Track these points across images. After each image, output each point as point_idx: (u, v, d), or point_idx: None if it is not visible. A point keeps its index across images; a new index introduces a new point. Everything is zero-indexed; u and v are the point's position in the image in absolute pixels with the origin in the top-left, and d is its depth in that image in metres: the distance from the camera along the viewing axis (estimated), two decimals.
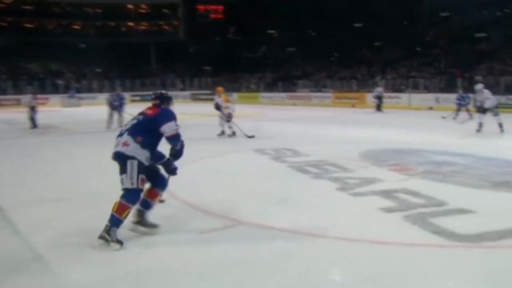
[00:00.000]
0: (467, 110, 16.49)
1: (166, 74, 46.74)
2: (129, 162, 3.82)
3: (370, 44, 41.19)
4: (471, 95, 16.53)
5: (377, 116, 19.79)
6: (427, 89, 28.77)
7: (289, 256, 3.64)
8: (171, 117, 3.97)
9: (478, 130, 11.72)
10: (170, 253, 3.76)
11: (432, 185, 5.92)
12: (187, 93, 41.24)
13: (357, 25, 44.31)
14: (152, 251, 3.81)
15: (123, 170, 3.86)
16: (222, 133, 11.56)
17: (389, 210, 4.78)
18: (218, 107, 11.48)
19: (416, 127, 14.41)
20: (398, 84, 31.16)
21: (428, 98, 26.17)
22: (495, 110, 11.91)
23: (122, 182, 3.87)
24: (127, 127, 4.02)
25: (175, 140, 4.00)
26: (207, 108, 16.55)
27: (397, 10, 40.50)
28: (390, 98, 25.37)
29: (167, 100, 4.15)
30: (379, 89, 23.51)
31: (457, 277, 3.31)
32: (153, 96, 4.17)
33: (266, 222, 4.45)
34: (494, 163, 7.34)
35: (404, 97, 27.71)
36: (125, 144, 3.87)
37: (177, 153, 4.10)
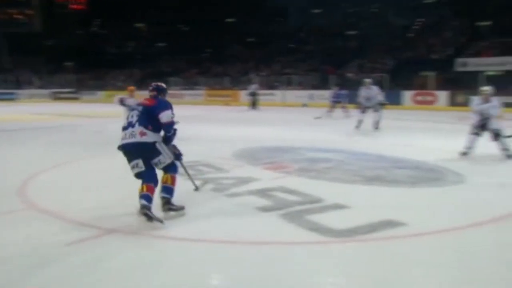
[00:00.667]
0: (343, 107, 17.29)
1: (21, 69, 42.91)
2: (157, 145, 4.46)
3: (243, 40, 42.13)
4: (349, 91, 17.65)
5: (252, 113, 20.25)
6: (301, 86, 30.27)
7: (161, 265, 3.45)
8: (168, 106, 4.58)
9: (357, 127, 12.30)
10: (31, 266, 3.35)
11: (308, 182, 6.11)
12: (46, 91, 38.30)
13: (229, 20, 45.07)
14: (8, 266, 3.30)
15: (155, 154, 4.44)
16: None
17: (266, 209, 4.79)
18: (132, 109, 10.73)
19: (291, 124, 14.99)
20: (272, 81, 32.36)
21: (302, 94, 27.54)
22: (378, 107, 12.37)
23: (159, 163, 4.49)
24: (135, 118, 4.50)
25: (170, 127, 4.59)
26: (71, 107, 15.51)
27: (269, 6, 42.02)
28: (264, 95, 26.16)
29: (163, 91, 4.81)
30: (254, 86, 24.09)
31: (335, 271, 3.42)
32: (151, 88, 4.80)
33: (138, 230, 4.17)
34: (367, 158, 7.84)
35: (278, 94, 28.85)
36: (143, 134, 4.43)
37: (168, 139, 4.62)
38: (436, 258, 3.59)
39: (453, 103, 22.25)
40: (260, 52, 39.05)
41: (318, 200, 5.10)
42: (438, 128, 13.30)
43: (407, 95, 23.92)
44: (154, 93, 4.75)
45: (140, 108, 4.57)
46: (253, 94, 23.24)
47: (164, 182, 4.54)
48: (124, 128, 4.52)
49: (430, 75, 26.12)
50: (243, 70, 36.71)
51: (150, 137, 4.44)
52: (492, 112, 7.83)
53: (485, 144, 7.98)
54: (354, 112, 13.89)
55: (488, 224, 4.40)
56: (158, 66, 41.86)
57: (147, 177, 4.37)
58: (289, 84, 30.54)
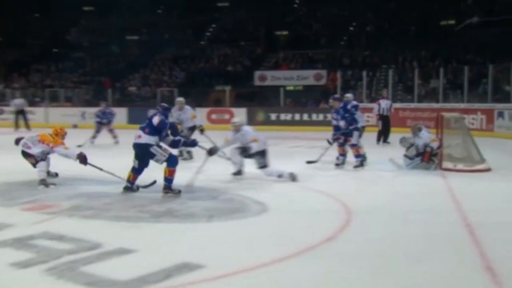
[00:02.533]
0: (110, 130, 16.24)
1: None
2: (151, 149, 7.51)
3: None
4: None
5: (18, 135, 18.68)
6: (71, 102, 29.23)
7: None
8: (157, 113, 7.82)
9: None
10: None
11: (83, 223, 5.96)
12: None
13: None
14: None
15: (151, 155, 7.57)
16: None
17: (25, 264, 4.47)
18: None
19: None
20: (31, 95, 30.41)
21: (72, 112, 26.56)
22: (190, 132, 12.07)
23: (157, 160, 7.57)
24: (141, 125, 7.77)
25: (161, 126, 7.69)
26: None
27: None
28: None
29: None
30: (18, 102, 22.96)
31: None
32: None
33: None
34: (156, 189, 7.85)
35: (39, 112, 27.25)
36: (139, 136, 7.65)
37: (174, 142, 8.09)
38: None
39: (252, 120, 24.05)
40: (10, 56, 36.53)
41: (95, 246, 4.96)
42: None
43: (202, 113, 24.92)
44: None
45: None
46: (19, 112, 22.18)
47: (164, 173, 7.53)
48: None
49: (226, 89, 27.84)
50: None
51: (144, 139, 7.58)
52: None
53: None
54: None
55: (300, 255, 4.82)
56: None
57: (135, 171, 7.75)
58: (53, 100, 29.17)
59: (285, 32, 35.16)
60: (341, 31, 32.82)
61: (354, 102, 11.42)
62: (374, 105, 17.07)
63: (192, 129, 12.20)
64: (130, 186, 7.81)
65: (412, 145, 10.41)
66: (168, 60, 34.16)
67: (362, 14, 33.32)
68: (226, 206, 6.99)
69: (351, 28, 33.30)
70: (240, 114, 24.61)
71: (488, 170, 10.03)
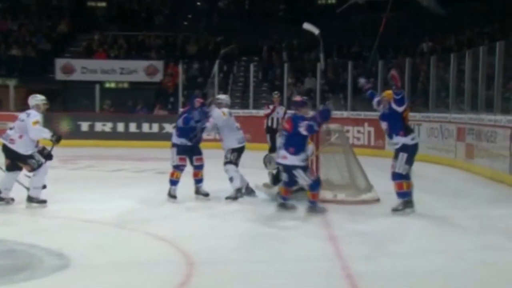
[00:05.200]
0: None
1: None
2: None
3: None
4: None
5: None
6: None
7: None
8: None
9: None
10: None
11: None
12: None
13: None
14: None
15: None
16: None
17: None
18: None
19: None
20: None
21: None
22: None
23: None
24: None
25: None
26: None
27: None
28: None
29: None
30: None
31: None
32: None
33: None
34: None
35: None
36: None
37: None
38: None
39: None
40: None
41: None
42: None
43: None
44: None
45: None
46: None
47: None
48: None
49: (10, 84, 26.63)
50: None
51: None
52: None
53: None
54: None
55: None
56: None
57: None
58: None
59: (103, 4, 34.22)
60: (184, 7, 32.44)
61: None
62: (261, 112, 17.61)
63: None
64: None
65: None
66: None
67: None
68: (6, 263, 6.74)
69: (198, 3, 33.34)
70: None
71: (376, 200, 10.60)
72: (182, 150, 10.79)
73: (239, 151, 10.98)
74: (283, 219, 9.58)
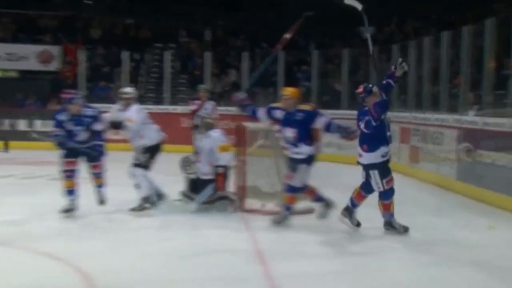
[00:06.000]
0: None
1: None
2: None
3: None
4: None
5: None
6: None
7: None
8: None
9: None
10: None
11: None
12: None
13: None
14: None
15: None
16: None
17: None
18: None
19: None
20: None
21: None
22: None
23: None
24: None
25: None
26: None
27: None
28: None
29: None
30: None
31: None
32: None
33: None
34: None
35: None
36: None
37: None
38: None
39: None
40: None
41: None
42: None
43: None
44: None
45: None
46: None
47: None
48: None
49: None
50: None
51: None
52: None
53: None
54: None
55: None
56: None
57: None
58: None
59: None
60: None
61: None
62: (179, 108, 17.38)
63: None
64: None
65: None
66: None
67: None
68: None
69: None
70: None
71: (310, 211, 10.53)
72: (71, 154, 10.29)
73: (152, 150, 10.72)
74: (200, 229, 9.51)
